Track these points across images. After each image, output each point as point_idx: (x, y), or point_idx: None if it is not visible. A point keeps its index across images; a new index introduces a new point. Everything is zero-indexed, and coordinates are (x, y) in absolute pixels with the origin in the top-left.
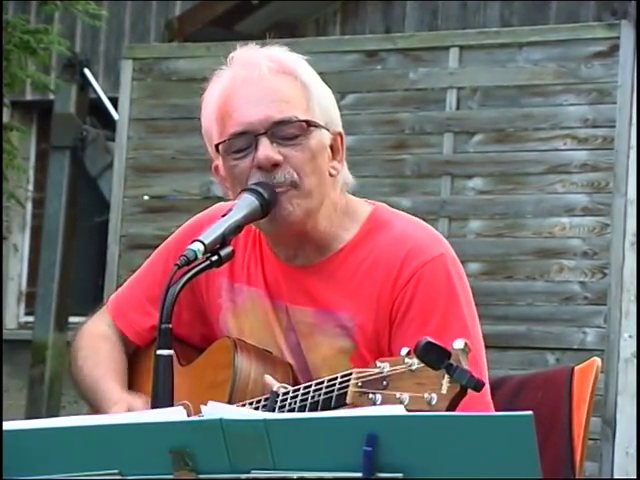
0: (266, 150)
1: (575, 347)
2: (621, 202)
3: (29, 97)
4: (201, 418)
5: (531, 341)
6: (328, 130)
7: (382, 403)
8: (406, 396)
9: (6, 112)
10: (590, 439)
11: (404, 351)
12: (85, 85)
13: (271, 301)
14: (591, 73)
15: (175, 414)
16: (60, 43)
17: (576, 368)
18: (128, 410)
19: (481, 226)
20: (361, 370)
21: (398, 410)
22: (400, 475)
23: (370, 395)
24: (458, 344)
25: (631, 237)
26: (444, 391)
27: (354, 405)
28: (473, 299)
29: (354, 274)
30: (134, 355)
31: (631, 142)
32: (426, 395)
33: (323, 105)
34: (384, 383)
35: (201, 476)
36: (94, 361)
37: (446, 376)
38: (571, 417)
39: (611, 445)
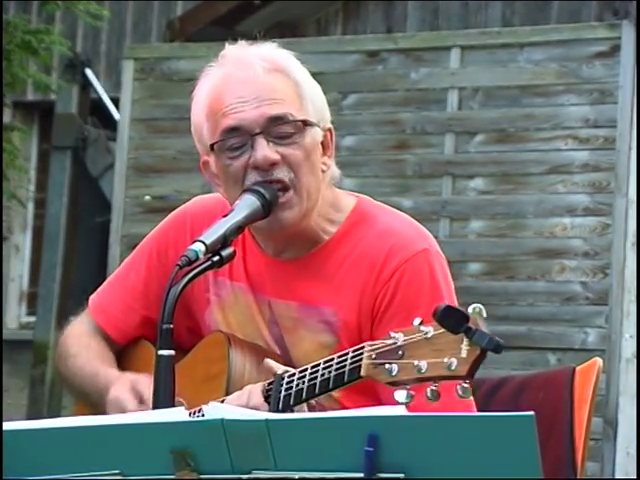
0: (264, 150)
1: (576, 347)
2: (622, 202)
3: (30, 97)
4: (202, 418)
5: (532, 341)
6: (319, 127)
7: (398, 372)
8: (424, 363)
9: (8, 112)
10: (591, 439)
11: (417, 321)
12: (86, 85)
13: (254, 295)
14: (592, 73)
15: (176, 414)
16: (61, 43)
17: (577, 368)
18: (131, 383)
19: (482, 226)
20: (374, 342)
21: (399, 410)
22: (401, 475)
23: (386, 366)
24: (474, 308)
25: (632, 237)
26: (464, 355)
27: (369, 377)
28: (474, 299)
29: (338, 269)
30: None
31: (632, 142)
32: (445, 360)
33: (315, 102)
34: (399, 353)
35: (202, 476)
36: (86, 357)
37: (465, 340)
38: (572, 417)
39: (612, 445)
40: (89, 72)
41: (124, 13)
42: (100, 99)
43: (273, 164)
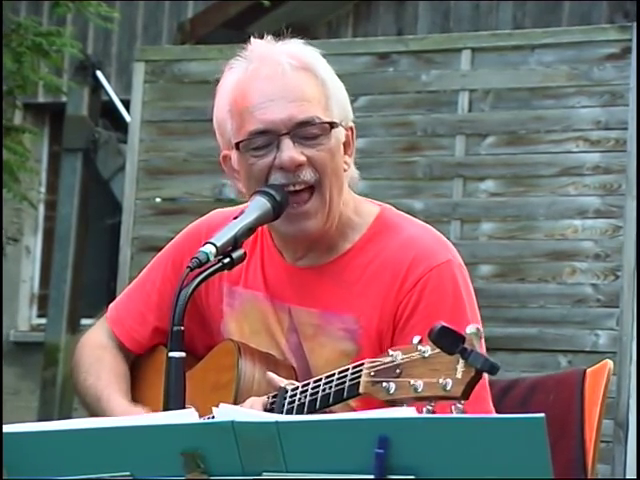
0: (290, 152)
1: (587, 349)
2: (633, 204)
3: (41, 99)
4: (213, 420)
5: (543, 343)
6: (343, 126)
7: (396, 391)
8: (420, 383)
9: (18, 114)
10: (602, 441)
11: (416, 339)
12: (97, 87)
13: (272, 303)
14: (603, 75)
15: (187, 416)
16: (72, 45)
17: (588, 370)
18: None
19: (493, 228)
20: (373, 360)
21: (410, 412)
22: (412, 477)
23: (384, 384)
24: (471, 329)
25: None
26: (459, 375)
27: (367, 395)
28: (485, 301)
29: (360, 276)
30: (133, 364)
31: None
32: (441, 380)
33: (339, 101)
34: (397, 371)
35: (213, 478)
36: (96, 373)
37: (460, 361)
38: (583, 419)
39: (623, 447)
40: (100, 74)
41: (135, 15)
42: (111, 101)
43: (299, 165)
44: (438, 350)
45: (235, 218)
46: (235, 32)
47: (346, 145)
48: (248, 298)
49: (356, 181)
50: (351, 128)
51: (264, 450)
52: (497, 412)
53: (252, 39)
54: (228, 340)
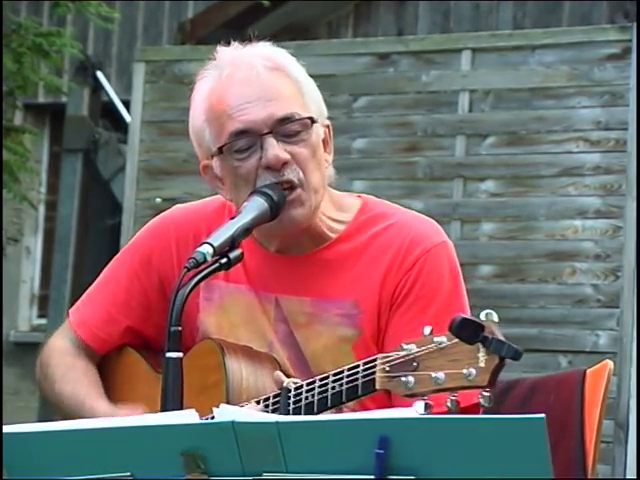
0: (275, 150)
1: (587, 350)
2: (633, 204)
3: (42, 100)
4: (213, 420)
5: (543, 344)
6: (320, 123)
7: (415, 384)
8: (441, 374)
9: (19, 115)
10: (603, 442)
11: (427, 330)
12: (97, 88)
13: (256, 294)
14: (604, 75)
15: (187, 417)
16: (73, 46)
17: (588, 371)
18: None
19: (493, 228)
20: (386, 355)
21: (410, 413)
22: (412, 477)
23: (402, 378)
24: (487, 315)
25: None
26: (482, 364)
27: (385, 390)
28: (485, 301)
29: (357, 261)
30: (99, 367)
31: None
32: (464, 370)
33: (315, 99)
34: (414, 364)
35: (213, 478)
36: (72, 382)
37: (481, 349)
38: (583, 420)
39: (624, 448)
40: (100, 75)
41: (135, 16)
42: (111, 102)
43: (284, 163)
44: (454, 340)
45: (232, 218)
46: (235, 32)
47: (325, 142)
48: (230, 291)
49: (332, 179)
50: (328, 126)
51: (264, 450)
52: (497, 413)
53: (218, 47)
54: (208, 339)
